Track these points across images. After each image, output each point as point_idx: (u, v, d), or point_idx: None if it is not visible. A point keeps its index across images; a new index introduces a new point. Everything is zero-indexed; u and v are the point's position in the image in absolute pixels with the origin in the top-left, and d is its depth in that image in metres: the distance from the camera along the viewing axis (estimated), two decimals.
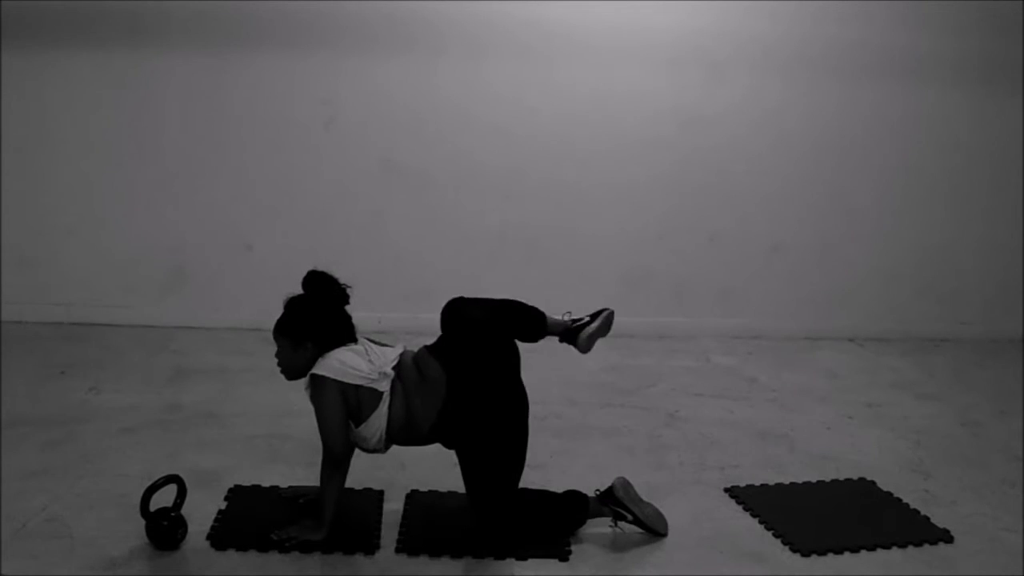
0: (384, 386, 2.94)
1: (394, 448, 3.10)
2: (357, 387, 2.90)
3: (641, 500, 3.14)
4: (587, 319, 3.23)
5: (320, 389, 2.89)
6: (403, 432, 2.98)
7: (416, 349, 3.08)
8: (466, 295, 3.12)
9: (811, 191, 5.67)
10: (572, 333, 3.20)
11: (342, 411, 2.90)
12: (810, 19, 5.37)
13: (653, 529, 3.12)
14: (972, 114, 5.65)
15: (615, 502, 3.10)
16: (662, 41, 5.35)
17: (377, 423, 2.93)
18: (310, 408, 2.97)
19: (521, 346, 3.12)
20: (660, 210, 5.57)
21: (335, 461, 2.92)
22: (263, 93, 5.26)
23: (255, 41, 5.17)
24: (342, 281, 2.99)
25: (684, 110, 5.45)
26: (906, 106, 5.58)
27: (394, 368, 2.98)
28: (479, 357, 3.00)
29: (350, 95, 5.30)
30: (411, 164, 5.38)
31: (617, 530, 3.11)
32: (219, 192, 5.35)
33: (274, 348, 2.99)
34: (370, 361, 2.94)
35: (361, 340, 3.01)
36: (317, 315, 2.94)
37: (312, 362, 2.92)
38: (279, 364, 2.99)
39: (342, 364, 2.90)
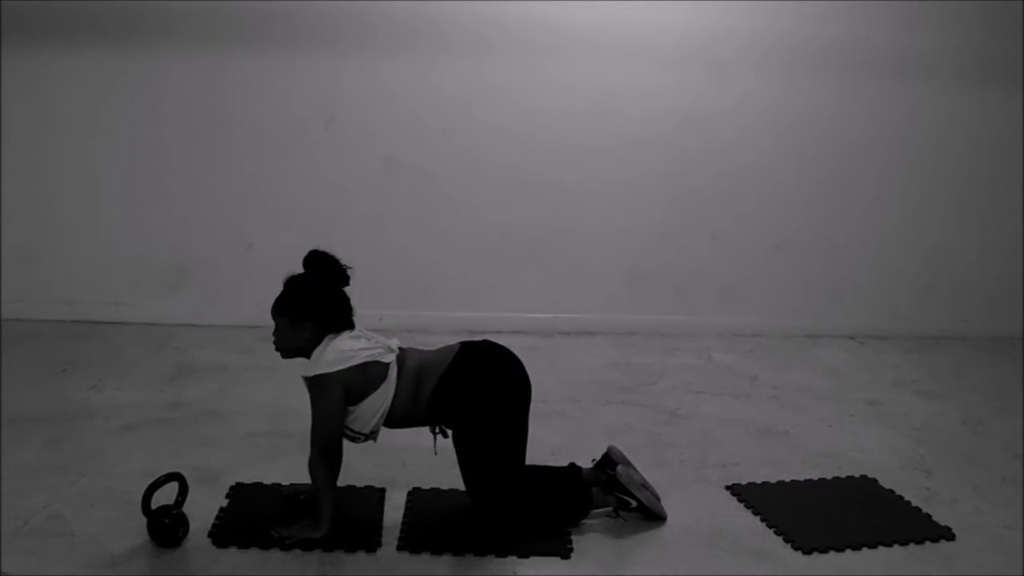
0: (389, 358, 2.94)
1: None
2: (363, 366, 2.90)
3: (643, 485, 3.17)
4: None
5: (324, 388, 2.87)
6: (406, 406, 2.97)
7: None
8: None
9: (812, 189, 5.67)
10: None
11: (343, 407, 2.89)
12: (811, 18, 5.37)
13: (656, 513, 3.15)
14: (972, 113, 5.65)
15: (620, 489, 3.12)
16: (664, 40, 5.35)
17: (382, 398, 2.92)
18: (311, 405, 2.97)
19: (521, 344, 3.13)
20: (662, 208, 5.57)
21: (326, 451, 2.90)
22: (264, 91, 5.26)
23: (256, 39, 5.17)
24: (343, 262, 2.98)
25: (686, 109, 5.45)
26: (907, 104, 5.58)
27: (400, 348, 3.00)
28: (491, 349, 3.04)
29: (351, 93, 5.30)
30: (412, 163, 5.38)
31: (619, 518, 3.13)
32: (220, 190, 5.35)
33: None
34: (368, 338, 2.95)
35: (359, 328, 3.01)
36: (318, 294, 2.94)
37: (309, 342, 2.91)
38: (275, 343, 2.98)
39: (341, 352, 2.89)
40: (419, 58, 5.27)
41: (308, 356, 2.93)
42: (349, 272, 2.98)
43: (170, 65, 5.19)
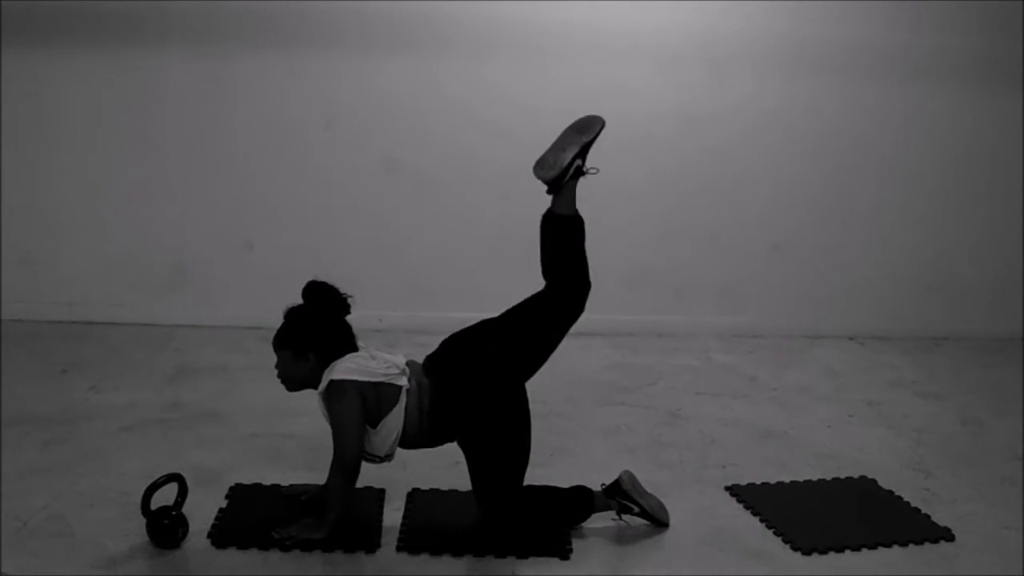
0: (403, 381, 2.94)
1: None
2: (376, 385, 2.90)
3: (645, 492, 3.16)
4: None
5: (340, 395, 2.87)
6: (417, 428, 2.97)
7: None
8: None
9: (812, 190, 5.67)
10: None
11: (361, 416, 2.88)
12: (811, 18, 5.36)
13: (658, 519, 3.14)
14: (972, 114, 5.65)
15: (623, 495, 3.11)
16: (663, 40, 5.35)
17: (396, 420, 2.92)
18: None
19: None
20: (661, 209, 5.57)
21: (348, 468, 2.90)
22: (264, 92, 5.26)
23: (256, 40, 5.17)
24: (342, 290, 2.97)
25: (685, 109, 5.45)
26: (907, 105, 5.58)
27: (408, 365, 3.00)
28: (469, 357, 3.03)
29: (351, 94, 5.30)
30: (412, 163, 5.38)
31: (621, 523, 3.13)
32: (220, 191, 5.35)
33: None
34: (377, 360, 2.95)
35: (363, 347, 3.01)
36: (318, 326, 2.93)
37: (314, 373, 2.92)
38: (280, 375, 2.99)
39: (357, 364, 2.90)
40: (419, 58, 5.27)
41: (315, 387, 2.94)
42: (349, 300, 2.98)
43: (170, 65, 5.19)
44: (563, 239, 3.08)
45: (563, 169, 3.04)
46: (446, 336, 3.12)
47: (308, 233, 5.33)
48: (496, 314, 3.14)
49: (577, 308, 3.15)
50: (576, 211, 3.10)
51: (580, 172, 3.08)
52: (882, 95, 5.55)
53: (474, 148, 5.38)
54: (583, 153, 3.08)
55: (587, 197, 5.46)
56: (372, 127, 5.33)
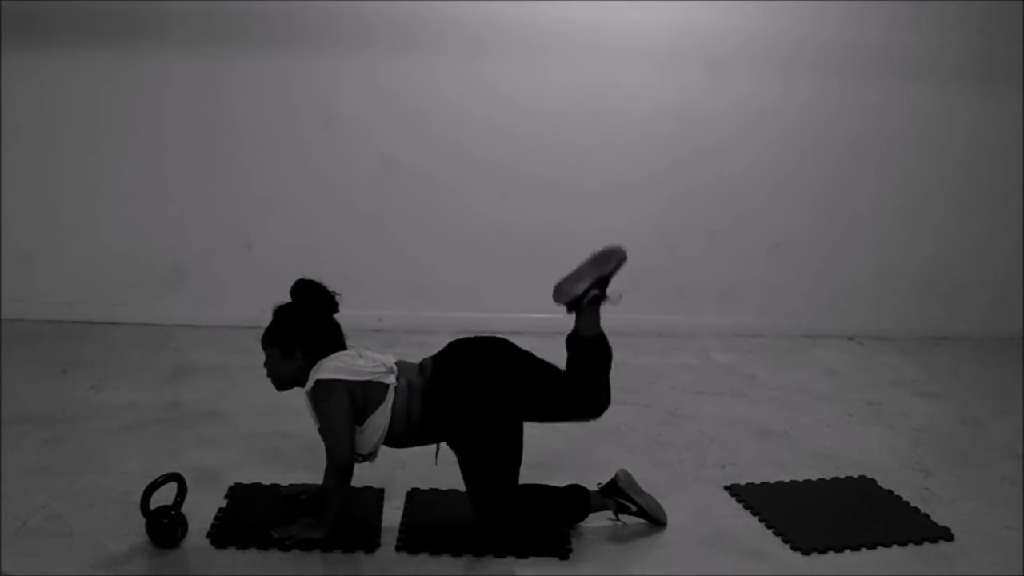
0: (390, 379, 2.95)
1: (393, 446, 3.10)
2: (364, 384, 2.91)
3: (642, 490, 3.15)
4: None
5: (327, 394, 2.87)
6: (403, 426, 2.97)
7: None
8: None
9: (811, 189, 5.67)
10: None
11: (350, 415, 2.89)
12: (809, 18, 5.36)
13: (655, 519, 3.14)
14: (972, 113, 5.65)
15: (619, 493, 3.11)
16: (662, 40, 5.35)
17: (382, 417, 2.92)
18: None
19: (520, 344, 3.14)
20: (660, 208, 5.57)
21: (341, 468, 2.90)
22: (263, 91, 5.26)
23: (255, 39, 5.17)
24: (331, 289, 2.98)
25: (684, 108, 5.45)
26: (906, 105, 5.58)
27: (396, 365, 3.00)
28: (470, 355, 3.04)
29: (350, 93, 5.30)
30: (411, 163, 5.38)
31: (618, 522, 3.12)
32: (219, 190, 5.35)
33: None
34: (364, 358, 2.95)
35: (351, 347, 3.01)
36: (306, 324, 2.94)
37: (302, 371, 2.92)
38: (268, 374, 2.99)
39: (344, 363, 2.90)
40: (418, 58, 5.27)
41: (303, 385, 2.94)
42: (337, 298, 2.98)
43: (170, 65, 5.19)
44: (585, 359, 3.11)
45: (575, 299, 3.07)
46: (452, 338, 3.13)
47: (307, 232, 5.33)
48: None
49: (591, 416, 3.18)
50: (600, 332, 3.10)
51: (598, 299, 3.08)
52: (881, 94, 5.55)
53: (473, 148, 5.38)
54: (600, 284, 3.09)
55: (587, 196, 5.50)
56: (371, 127, 5.33)
